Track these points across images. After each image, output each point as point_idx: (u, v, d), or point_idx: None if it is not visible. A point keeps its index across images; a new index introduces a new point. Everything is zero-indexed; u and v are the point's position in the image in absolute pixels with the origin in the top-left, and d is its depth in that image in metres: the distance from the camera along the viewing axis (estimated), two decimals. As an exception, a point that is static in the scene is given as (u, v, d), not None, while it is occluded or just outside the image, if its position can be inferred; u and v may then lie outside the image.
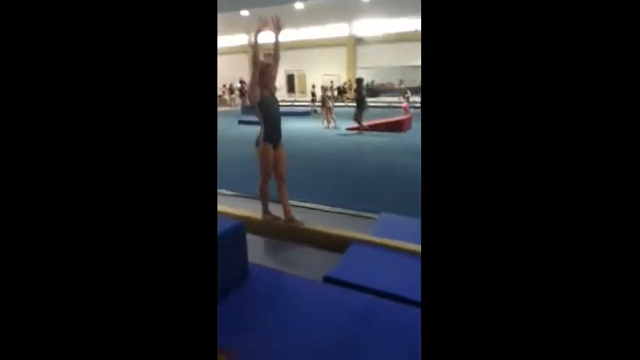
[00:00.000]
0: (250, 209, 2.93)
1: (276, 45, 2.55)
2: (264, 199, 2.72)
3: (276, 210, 2.79)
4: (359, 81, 8.74)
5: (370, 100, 16.92)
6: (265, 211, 2.75)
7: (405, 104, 11.10)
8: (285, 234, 2.63)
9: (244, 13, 13.73)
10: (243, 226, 1.81)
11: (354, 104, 8.63)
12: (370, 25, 16.91)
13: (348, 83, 17.63)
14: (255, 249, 2.40)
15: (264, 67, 2.46)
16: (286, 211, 2.68)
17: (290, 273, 1.97)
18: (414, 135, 7.95)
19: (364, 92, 8.61)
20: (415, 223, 2.60)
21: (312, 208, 3.20)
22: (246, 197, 3.51)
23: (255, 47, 2.42)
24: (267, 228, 2.69)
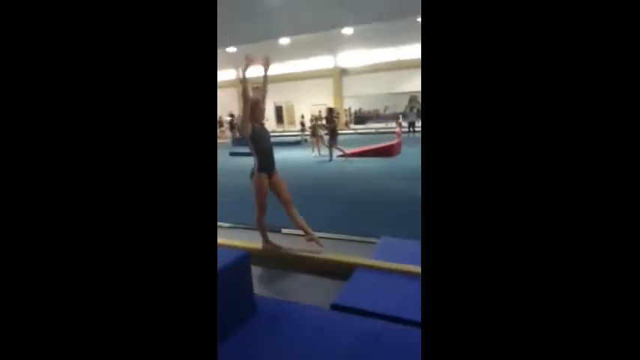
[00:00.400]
0: (247, 240, 2.91)
1: (265, 80, 2.67)
2: (263, 229, 2.71)
3: (275, 239, 2.78)
4: (330, 111, 9.19)
5: (358, 127, 17.24)
6: (266, 241, 2.73)
7: (398, 129, 11.38)
8: (287, 263, 2.61)
9: (231, 49, 14.19)
10: (249, 256, 1.80)
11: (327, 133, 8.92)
12: (354, 57, 17.59)
13: (336, 112, 18.07)
14: (258, 280, 2.36)
15: (253, 102, 2.55)
16: (305, 230, 2.68)
17: (296, 302, 1.95)
18: (403, 159, 8.10)
19: (336, 121, 9.00)
20: (416, 246, 2.61)
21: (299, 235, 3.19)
22: (243, 228, 3.49)
23: (244, 83, 2.53)
24: (268, 258, 2.66)
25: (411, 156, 8.34)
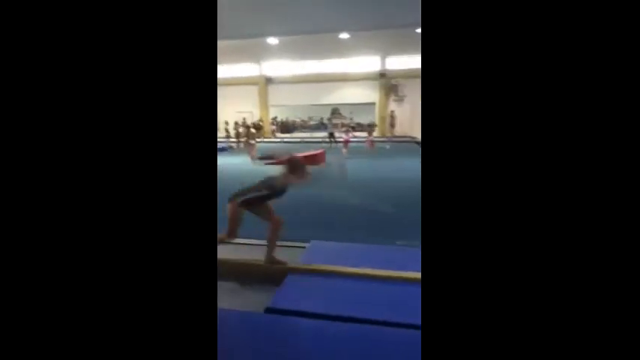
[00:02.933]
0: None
1: None
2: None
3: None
4: None
5: (284, 136, 17.38)
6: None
7: (370, 139, 11.08)
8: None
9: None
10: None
11: None
12: (279, 66, 17.77)
13: (260, 120, 17.97)
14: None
15: None
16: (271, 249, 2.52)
17: (230, 308, 1.91)
18: (330, 168, 8.41)
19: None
20: (346, 248, 2.76)
21: (240, 243, 3.13)
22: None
23: None
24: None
25: (337, 165, 8.69)
